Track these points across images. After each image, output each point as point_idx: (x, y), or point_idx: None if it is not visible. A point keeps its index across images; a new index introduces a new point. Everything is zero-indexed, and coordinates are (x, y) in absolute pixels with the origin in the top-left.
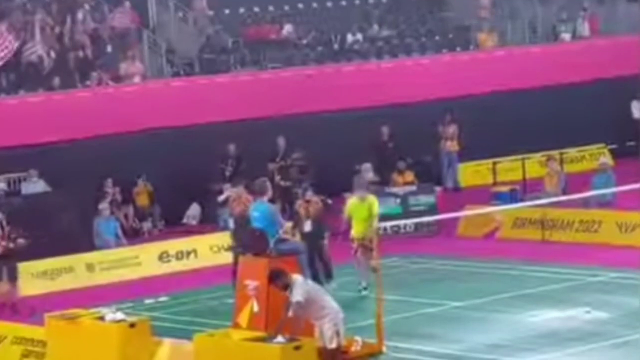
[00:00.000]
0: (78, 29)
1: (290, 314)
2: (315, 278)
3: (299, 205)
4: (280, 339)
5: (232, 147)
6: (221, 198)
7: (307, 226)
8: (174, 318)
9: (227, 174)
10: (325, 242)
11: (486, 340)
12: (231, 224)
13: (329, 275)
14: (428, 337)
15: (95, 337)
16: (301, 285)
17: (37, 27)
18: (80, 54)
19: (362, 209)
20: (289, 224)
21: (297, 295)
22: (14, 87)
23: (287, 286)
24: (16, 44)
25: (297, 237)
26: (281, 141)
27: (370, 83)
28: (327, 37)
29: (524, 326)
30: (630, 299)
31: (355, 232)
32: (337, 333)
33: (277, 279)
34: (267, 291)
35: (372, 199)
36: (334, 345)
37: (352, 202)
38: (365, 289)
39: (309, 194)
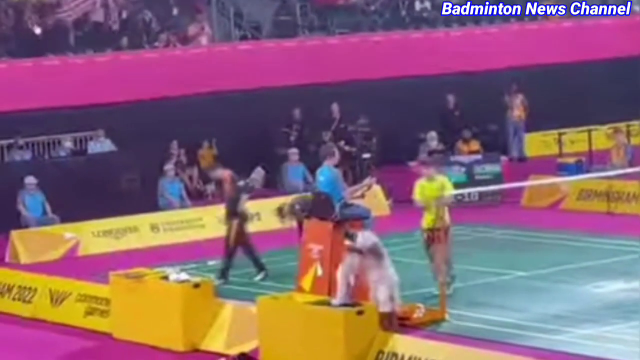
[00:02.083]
0: None
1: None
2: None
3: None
4: (339, 301)
5: (297, 112)
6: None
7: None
8: (237, 280)
9: (292, 138)
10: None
11: (549, 311)
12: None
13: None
14: (491, 306)
15: (158, 297)
16: (369, 235)
17: None
18: (147, 16)
19: (430, 190)
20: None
21: (363, 238)
22: (82, 46)
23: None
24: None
25: None
26: (335, 108)
27: (437, 51)
28: (395, 3)
29: (588, 297)
30: None
31: (425, 219)
32: (391, 298)
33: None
34: (331, 255)
35: (443, 179)
36: (387, 309)
37: (419, 184)
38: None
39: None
